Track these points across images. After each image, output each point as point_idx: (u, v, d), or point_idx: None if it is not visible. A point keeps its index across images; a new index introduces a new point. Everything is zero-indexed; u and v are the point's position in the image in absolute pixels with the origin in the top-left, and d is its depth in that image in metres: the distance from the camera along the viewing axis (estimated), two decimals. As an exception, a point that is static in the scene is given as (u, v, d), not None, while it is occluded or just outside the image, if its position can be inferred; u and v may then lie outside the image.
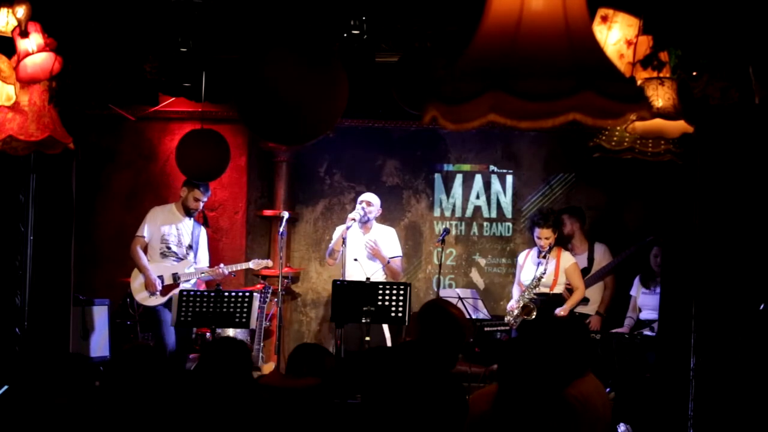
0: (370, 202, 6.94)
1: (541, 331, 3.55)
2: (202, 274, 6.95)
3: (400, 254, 7.10)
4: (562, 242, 6.82)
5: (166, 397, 3.24)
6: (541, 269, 6.53)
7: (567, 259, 6.61)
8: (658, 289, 6.57)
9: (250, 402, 3.25)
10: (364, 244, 6.80)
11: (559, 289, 6.55)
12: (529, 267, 6.68)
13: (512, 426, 2.90)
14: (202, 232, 7.03)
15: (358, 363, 3.89)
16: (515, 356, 3.05)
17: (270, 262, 7.24)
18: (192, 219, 6.91)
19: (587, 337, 3.70)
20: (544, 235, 6.50)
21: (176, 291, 6.66)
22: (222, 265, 6.96)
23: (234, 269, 7.02)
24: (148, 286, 6.68)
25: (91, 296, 7.26)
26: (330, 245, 7.02)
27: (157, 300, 6.70)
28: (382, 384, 3.58)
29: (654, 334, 6.32)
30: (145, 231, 6.78)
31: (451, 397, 3.50)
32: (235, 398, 3.22)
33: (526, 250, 6.86)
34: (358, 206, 6.95)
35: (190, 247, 6.87)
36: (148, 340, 6.99)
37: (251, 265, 7.10)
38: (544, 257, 6.54)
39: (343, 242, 6.81)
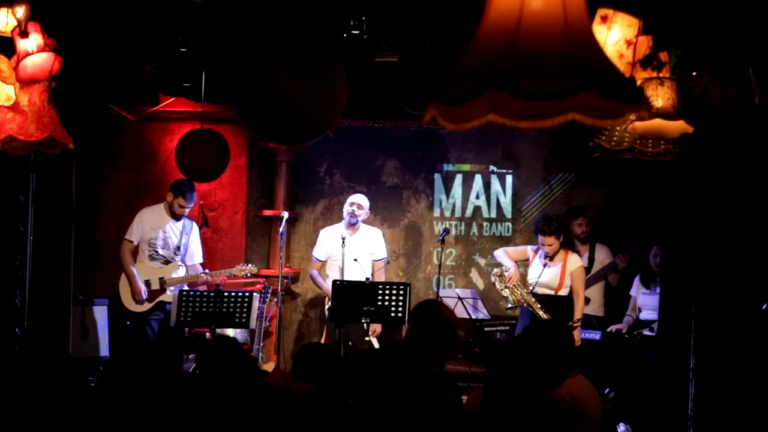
0: (361, 205, 6.97)
1: (526, 334, 3.57)
2: (186, 284, 6.90)
3: (385, 256, 7.12)
4: (571, 245, 6.80)
5: (167, 398, 3.23)
6: (551, 272, 6.50)
7: (574, 261, 6.54)
8: (658, 289, 6.56)
9: (253, 400, 3.26)
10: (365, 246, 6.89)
11: (564, 291, 6.51)
12: (535, 266, 6.66)
13: (498, 426, 2.90)
14: (194, 230, 7.02)
15: (352, 364, 3.90)
16: (502, 358, 3.07)
17: (254, 268, 7.08)
18: (182, 219, 6.91)
19: (570, 340, 3.71)
20: (548, 242, 6.48)
21: (163, 297, 6.74)
22: (220, 270, 6.98)
23: (226, 274, 6.95)
24: (135, 294, 6.72)
25: (91, 296, 7.26)
26: (314, 269, 7.10)
27: (144, 306, 6.75)
28: (376, 384, 3.59)
29: (654, 334, 6.32)
30: (133, 234, 6.82)
31: (444, 394, 3.52)
32: (239, 397, 3.22)
33: (535, 247, 6.74)
34: (348, 207, 6.96)
35: (178, 248, 6.88)
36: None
37: (234, 271, 6.98)
38: (551, 259, 6.53)
39: (343, 242, 6.82)
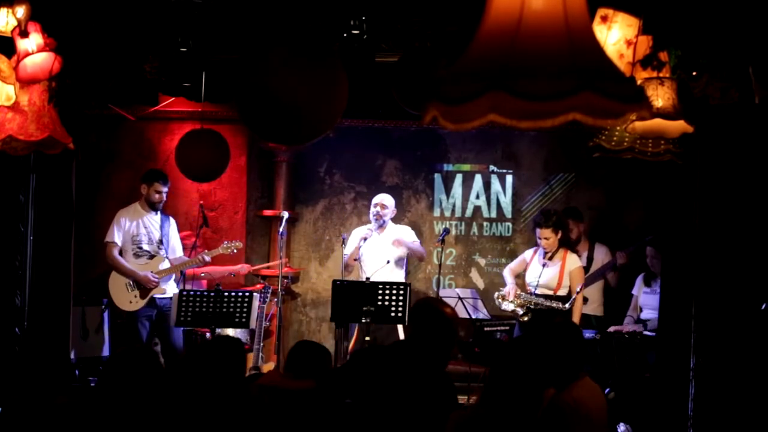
0: (385, 205, 6.96)
1: (533, 333, 3.57)
2: (174, 274, 6.92)
3: (417, 240, 7.16)
4: (569, 245, 6.79)
5: (162, 398, 3.23)
6: (549, 272, 6.48)
7: (572, 261, 6.52)
8: (658, 289, 6.56)
9: (241, 400, 3.25)
10: (392, 243, 6.88)
11: (563, 291, 6.48)
12: (534, 267, 6.64)
13: (494, 425, 2.90)
14: (172, 224, 7.03)
15: (351, 363, 3.90)
16: (504, 356, 3.07)
17: (239, 244, 7.10)
18: (159, 213, 6.92)
19: (580, 341, 3.70)
20: (545, 235, 6.47)
21: (154, 292, 6.72)
22: (206, 250, 7.00)
23: (213, 254, 6.95)
24: (146, 284, 6.70)
25: (91, 296, 7.25)
26: (345, 258, 7.00)
27: (138, 304, 6.72)
28: (374, 383, 3.59)
29: (653, 334, 6.30)
30: (116, 236, 6.79)
31: (441, 395, 3.51)
32: (226, 396, 3.22)
33: (534, 248, 6.77)
34: (372, 209, 6.95)
35: (161, 241, 6.87)
36: (152, 340, 6.98)
37: (220, 250, 6.97)
38: (550, 258, 6.51)
39: (343, 243, 6.81)
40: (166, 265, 6.86)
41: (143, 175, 7.01)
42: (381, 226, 6.94)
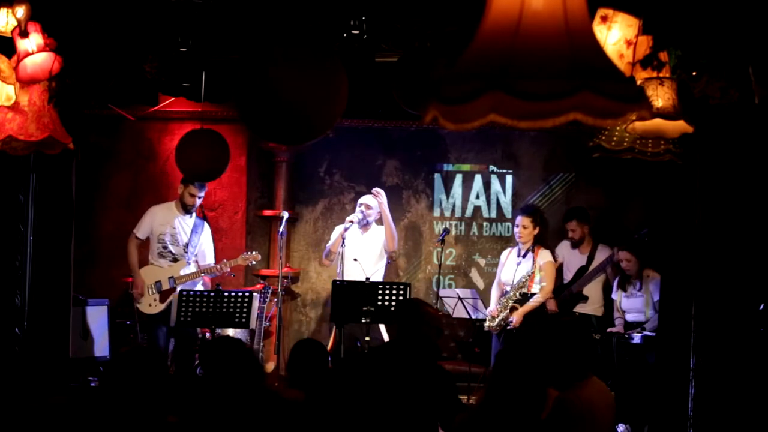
0: (369, 205, 6.98)
1: (536, 332, 3.58)
2: (202, 274, 6.90)
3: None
4: (544, 244, 6.82)
5: (165, 399, 3.22)
6: (523, 268, 6.52)
7: (543, 256, 6.60)
8: (636, 292, 6.57)
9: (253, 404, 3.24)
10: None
11: (537, 288, 6.53)
12: (509, 265, 6.69)
13: (499, 422, 2.91)
14: (206, 229, 6.95)
15: (344, 367, 3.93)
16: (506, 355, 3.08)
17: (258, 255, 7.06)
18: (192, 216, 6.86)
19: (587, 341, 3.70)
20: (523, 223, 6.56)
21: (173, 297, 6.64)
22: (225, 260, 6.96)
23: (232, 264, 6.91)
24: (135, 286, 6.67)
25: (91, 296, 7.25)
26: (327, 246, 7.07)
27: (157, 308, 6.67)
28: (371, 383, 3.60)
29: (653, 334, 6.30)
30: (141, 231, 6.77)
31: (439, 392, 3.54)
32: (242, 400, 3.21)
33: (509, 249, 6.89)
34: (357, 209, 6.99)
35: (187, 245, 6.80)
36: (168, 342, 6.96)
37: (239, 261, 6.95)
38: (524, 255, 6.54)
39: (342, 242, 6.82)
40: (188, 270, 6.78)
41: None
42: (365, 226, 6.97)
